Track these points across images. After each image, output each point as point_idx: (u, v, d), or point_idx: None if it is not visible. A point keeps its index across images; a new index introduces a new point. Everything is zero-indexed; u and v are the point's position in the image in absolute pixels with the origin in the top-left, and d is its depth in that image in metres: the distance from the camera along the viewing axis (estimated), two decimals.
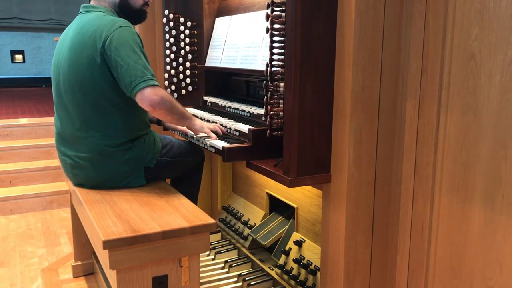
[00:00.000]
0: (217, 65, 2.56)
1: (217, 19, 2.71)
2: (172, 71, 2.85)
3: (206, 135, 2.15)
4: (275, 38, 1.70)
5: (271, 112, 1.74)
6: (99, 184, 2.09)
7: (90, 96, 1.97)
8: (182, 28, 2.77)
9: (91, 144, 2.02)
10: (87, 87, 1.96)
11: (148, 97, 1.88)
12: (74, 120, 2.03)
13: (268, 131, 1.76)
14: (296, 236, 2.29)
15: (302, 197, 2.24)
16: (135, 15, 2.17)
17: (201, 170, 2.48)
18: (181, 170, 2.32)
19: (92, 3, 2.13)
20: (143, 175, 2.12)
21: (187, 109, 2.60)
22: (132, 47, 1.91)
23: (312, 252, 2.16)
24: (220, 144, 1.98)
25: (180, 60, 2.81)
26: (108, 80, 1.95)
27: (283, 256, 2.32)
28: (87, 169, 2.07)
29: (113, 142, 2.02)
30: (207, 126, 2.16)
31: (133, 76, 1.88)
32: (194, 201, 2.41)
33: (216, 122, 2.25)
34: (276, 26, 1.67)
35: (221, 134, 2.15)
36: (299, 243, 2.24)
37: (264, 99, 1.75)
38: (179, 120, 2.10)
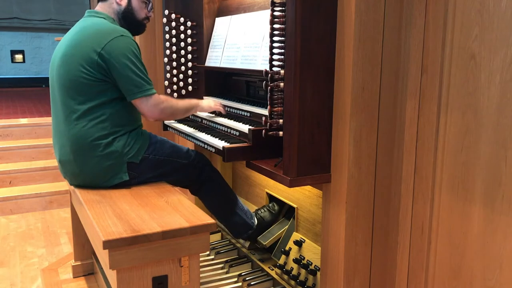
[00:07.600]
0: (217, 65, 2.55)
1: (217, 19, 2.70)
2: (172, 71, 2.84)
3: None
4: (275, 38, 1.70)
5: (271, 112, 1.74)
6: (86, 180, 2.10)
7: (78, 90, 2.03)
8: (182, 28, 2.77)
9: (75, 136, 2.05)
10: (75, 81, 2.03)
11: (149, 112, 2.08)
12: (59, 113, 2.12)
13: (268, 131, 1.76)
14: (296, 236, 2.29)
15: (302, 197, 2.24)
16: (135, 26, 2.28)
17: (215, 179, 2.35)
18: (173, 173, 2.23)
19: (97, 9, 2.24)
20: (126, 170, 2.10)
21: None
22: (130, 58, 2.02)
23: (312, 252, 2.16)
24: (220, 144, 1.98)
25: (180, 60, 2.81)
26: (97, 78, 2.02)
27: (283, 256, 2.32)
28: (71, 164, 2.10)
29: (96, 134, 2.04)
30: (214, 105, 2.36)
31: (131, 85, 2.03)
32: (228, 213, 2.36)
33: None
34: (276, 26, 1.67)
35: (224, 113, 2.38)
36: (299, 243, 2.24)
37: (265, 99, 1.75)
38: (185, 114, 2.28)
